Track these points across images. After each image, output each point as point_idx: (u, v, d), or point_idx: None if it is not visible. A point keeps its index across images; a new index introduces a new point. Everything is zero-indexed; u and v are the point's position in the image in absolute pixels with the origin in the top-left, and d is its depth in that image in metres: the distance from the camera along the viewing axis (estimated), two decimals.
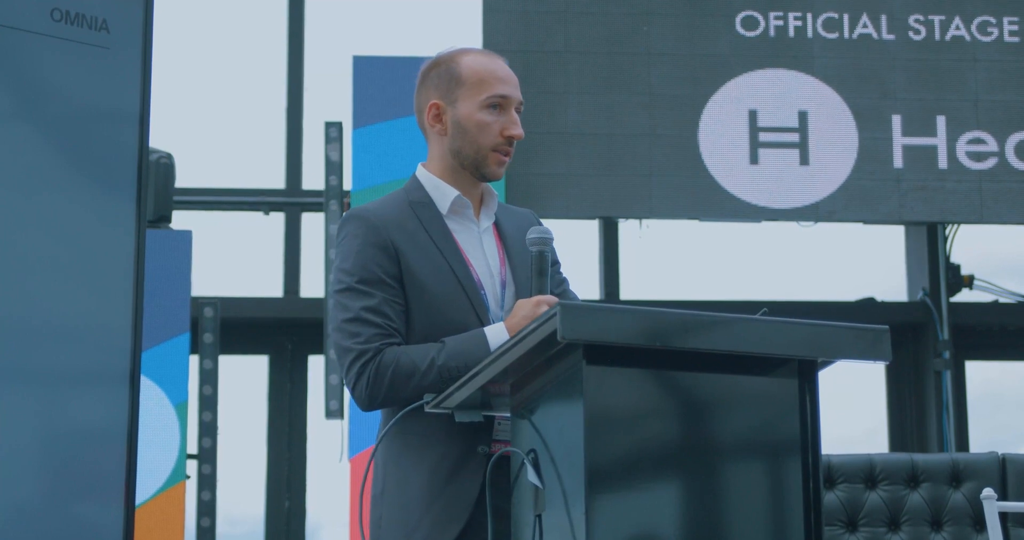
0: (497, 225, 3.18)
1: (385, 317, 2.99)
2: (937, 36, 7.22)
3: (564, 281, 3.26)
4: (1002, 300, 7.76)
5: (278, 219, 7.70)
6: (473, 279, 3.06)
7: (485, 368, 2.68)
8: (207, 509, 6.57)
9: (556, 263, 3.25)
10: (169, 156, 6.69)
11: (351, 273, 3.02)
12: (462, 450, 2.95)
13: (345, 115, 6.80)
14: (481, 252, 3.12)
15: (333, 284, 3.08)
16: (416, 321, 3.02)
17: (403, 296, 3.02)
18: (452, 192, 3.12)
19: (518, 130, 3.12)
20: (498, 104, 3.11)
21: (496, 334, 2.93)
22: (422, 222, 3.08)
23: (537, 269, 2.99)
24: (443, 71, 3.14)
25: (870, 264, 8.00)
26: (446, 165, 3.15)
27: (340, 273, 3.05)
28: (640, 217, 7.12)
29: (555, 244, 3.22)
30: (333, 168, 6.86)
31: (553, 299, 2.95)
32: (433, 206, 3.12)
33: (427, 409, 2.83)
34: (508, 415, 2.89)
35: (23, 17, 2.77)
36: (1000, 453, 4.63)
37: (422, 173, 3.18)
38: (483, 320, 3.01)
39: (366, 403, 2.98)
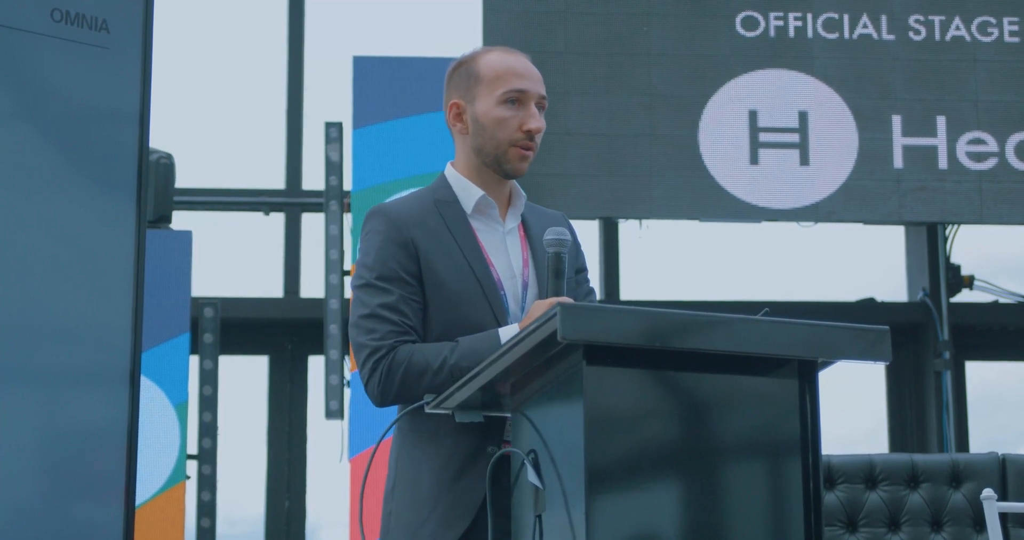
0: (524, 226, 3.18)
1: (401, 314, 2.99)
2: (937, 36, 7.22)
3: (591, 292, 3.26)
4: (1002, 300, 7.76)
5: (278, 219, 7.70)
6: (493, 279, 3.05)
7: (486, 368, 2.68)
8: (207, 509, 6.57)
9: (583, 270, 3.25)
10: (169, 156, 6.69)
11: (371, 269, 3.03)
12: (472, 449, 2.95)
13: (345, 115, 6.81)
14: (504, 252, 3.11)
15: (353, 279, 3.09)
16: (434, 319, 3.02)
17: (421, 294, 3.02)
18: (477, 192, 3.12)
19: (536, 123, 3.10)
20: (516, 99, 3.10)
21: (509, 335, 2.92)
22: (445, 220, 3.09)
23: (553, 270, 2.97)
24: (463, 71, 3.15)
25: (870, 264, 8.00)
26: (471, 164, 3.15)
27: (361, 269, 3.06)
28: (640, 217, 7.12)
29: None
30: (333, 168, 6.86)
31: (569, 300, 2.95)
32: (457, 205, 3.12)
33: (427, 409, 2.83)
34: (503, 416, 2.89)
35: (23, 17, 2.77)
36: (1000, 453, 4.63)
37: (450, 172, 3.18)
38: (500, 320, 3.01)
39: (378, 399, 2.99)
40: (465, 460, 2.95)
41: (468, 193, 3.13)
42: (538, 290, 3.09)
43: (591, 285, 3.27)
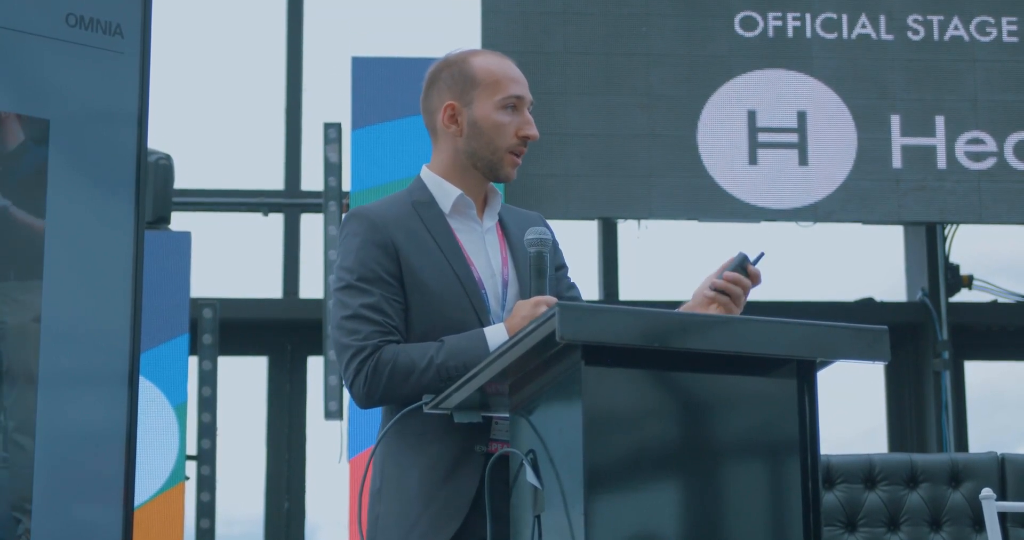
0: (501, 225, 3.18)
1: (384, 315, 2.99)
2: (936, 36, 7.23)
3: (573, 287, 3.26)
4: (1001, 300, 7.76)
5: (277, 220, 7.70)
6: (473, 278, 3.05)
7: (484, 369, 2.68)
8: (206, 510, 6.58)
9: (563, 267, 3.25)
10: (168, 157, 6.69)
11: (351, 271, 3.03)
12: (459, 449, 2.95)
13: (344, 116, 6.81)
14: (483, 251, 3.12)
15: (334, 282, 3.09)
16: (415, 319, 3.02)
17: (403, 294, 3.02)
18: (455, 191, 3.12)
19: (534, 130, 3.14)
20: (513, 105, 3.12)
21: (495, 334, 2.93)
22: (424, 221, 3.09)
23: (536, 269, 2.98)
24: (456, 72, 3.14)
25: (869, 264, 8.00)
26: (456, 165, 3.14)
27: (341, 271, 3.06)
28: (639, 218, 7.12)
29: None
30: (332, 169, 6.86)
31: (553, 299, 2.95)
32: (435, 205, 3.12)
33: (426, 410, 2.83)
34: (506, 415, 2.89)
35: (38, 22, 2.78)
36: (999, 453, 4.63)
37: (426, 174, 3.18)
38: (482, 319, 3.01)
39: (364, 401, 2.98)
40: (454, 461, 2.95)
41: (445, 193, 3.13)
42: (519, 288, 3.09)
43: (572, 281, 3.27)
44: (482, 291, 3.05)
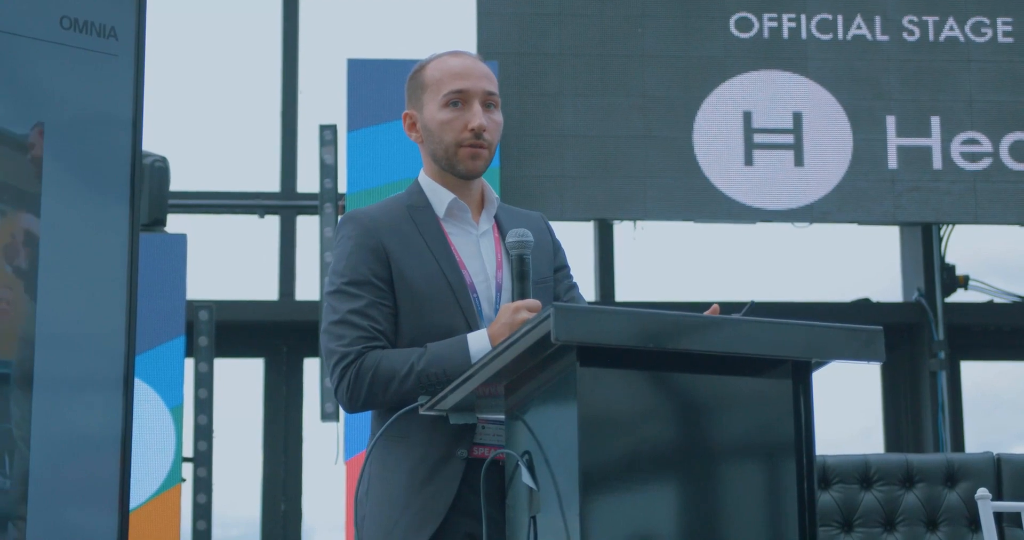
0: (499, 228, 3.18)
1: (371, 320, 3.00)
2: (931, 37, 7.23)
3: (574, 287, 3.26)
4: (997, 300, 7.76)
5: (273, 222, 7.70)
6: (465, 283, 3.06)
7: (480, 370, 2.68)
8: (203, 512, 6.57)
9: (565, 267, 3.25)
10: (164, 160, 6.69)
11: (342, 275, 3.05)
12: (442, 453, 2.97)
13: (340, 118, 6.80)
14: (478, 256, 3.11)
15: (326, 286, 3.10)
16: (405, 324, 3.02)
17: (392, 299, 3.03)
18: (448, 196, 3.13)
19: (477, 120, 3.09)
20: (457, 100, 3.11)
21: (478, 341, 2.94)
22: (417, 225, 3.09)
23: (518, 273, 2.98)
24: (412, 82, 3.19)
25: (865, 265, 8.01)
26: (434, 170, 3.17)
27: (332, 275, 3.08)
28: (635, 219, 7.12)
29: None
30: (328, 171, 6.86)
31: (534, 303, 2.95)
32: (430, 209, 3.13)
33: (421, 411, 2.84)
34: (491, 418, 2.90)
35: (32, 25, 2.78)
36: (995, 453, 4.64)
37: (422, 178, 3.20)
38: (472, 324, 3.01)
39: (347, 406, 3.01)
40: (435, 464, 2.96)
41: (439, 197, 3.13)
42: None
43: (574, 281, 3.27)
44: (473, 296, 3.06)
